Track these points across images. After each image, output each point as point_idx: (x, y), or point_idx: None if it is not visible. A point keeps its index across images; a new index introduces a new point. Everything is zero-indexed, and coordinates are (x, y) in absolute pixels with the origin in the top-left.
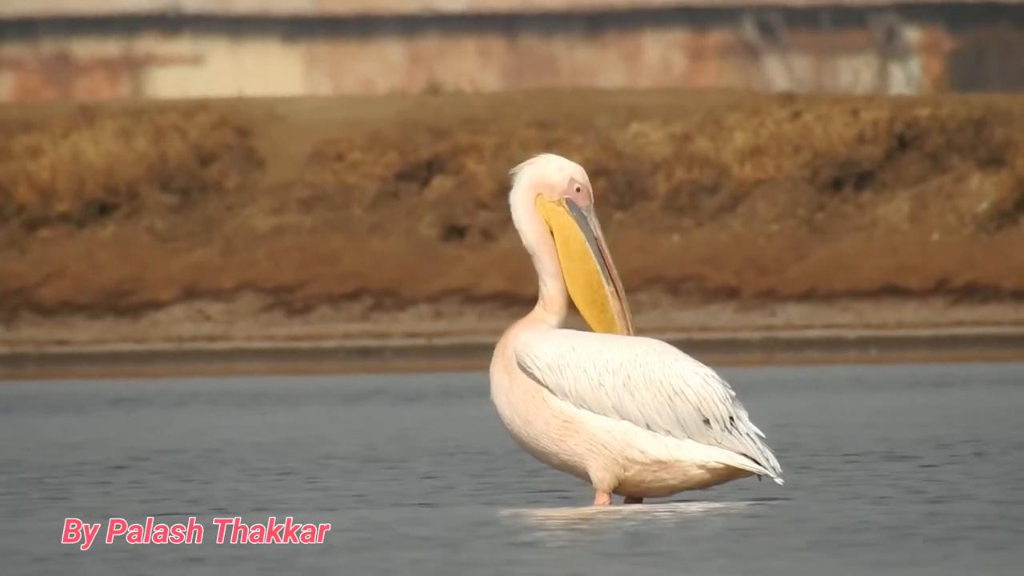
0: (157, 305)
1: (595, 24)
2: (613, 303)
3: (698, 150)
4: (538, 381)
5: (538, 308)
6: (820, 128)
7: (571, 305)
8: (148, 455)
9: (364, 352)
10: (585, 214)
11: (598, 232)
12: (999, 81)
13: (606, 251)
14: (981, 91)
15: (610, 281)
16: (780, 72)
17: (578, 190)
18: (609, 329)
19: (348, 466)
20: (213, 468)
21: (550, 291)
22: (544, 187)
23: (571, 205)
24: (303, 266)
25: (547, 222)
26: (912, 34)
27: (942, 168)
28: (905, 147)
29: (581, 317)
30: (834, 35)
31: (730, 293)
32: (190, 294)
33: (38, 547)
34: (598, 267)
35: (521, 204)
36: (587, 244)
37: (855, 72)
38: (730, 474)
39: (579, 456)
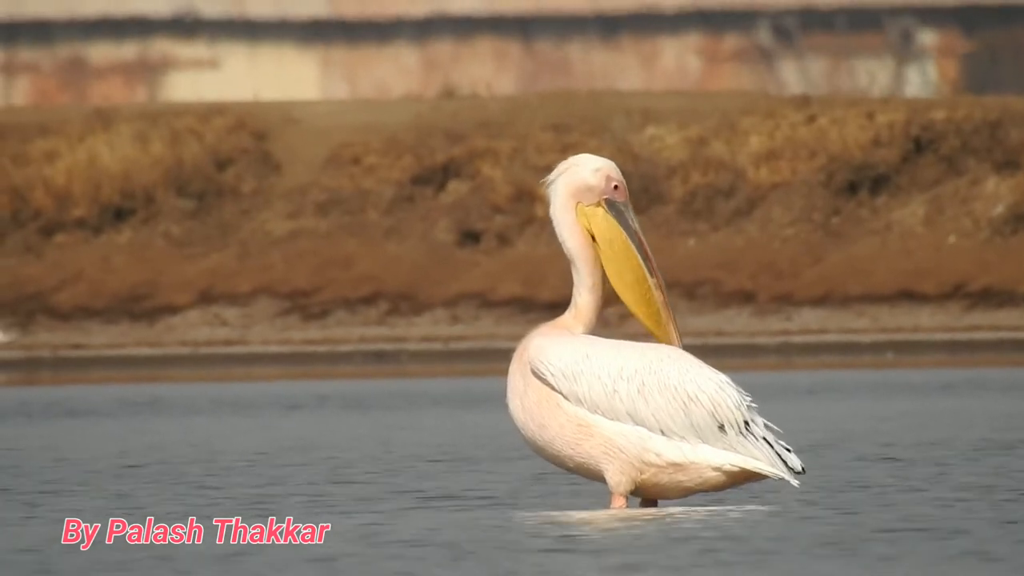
0: (173, 310)
1: (611, 28)
2: (656, 295)
3: (714, 154)
4: (552, 387)
5: (567, 315)
6: (835, 131)
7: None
8: (162, 459)
9: (380, 356)
10: (623, 210)
11: (636, 226)
12: (1013, 83)
13: (646, 244)
14: (995, 94)
15: (653, 274)
16: (795, 75)
17: (616, 187)
18: (659, 320)
19: (364, 470)
20: (229, 472)
21: (583, 301)
22: (583, 192)
23: (611, 204)
24: (319, 270)
25: (588, 229)
26: (927, 37)
27: (958, 171)
28: (921, 150)
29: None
30: (849, 38)
31: (746, 297)
32: (206, 299)
33: (52, 551)
34: (641, 262)
35: (562, 216)
36: (629, 241)
37: (870, 75)
38: (746, 477)
39: (595, 460)
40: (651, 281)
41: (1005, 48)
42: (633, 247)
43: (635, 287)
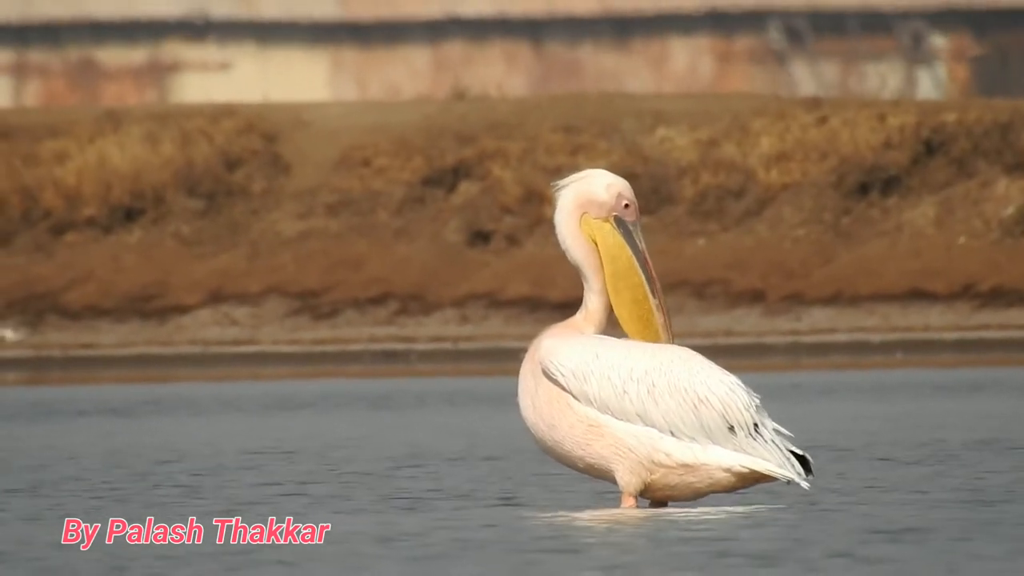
0: (183, 309)
1: (622, 29)
2: (657, 316)
3: (724, 155)
4: (562, 387)
5: (578, 316)
6: (846, 133)
7: (613, 320)
8: (172, 458)
9: (390, 356)
10: (632, 229)
11: (643, 247)
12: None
13: (651, 266)
14: (1006, 96)
15: (655, 295)
16: (807, 77)
17: (626, 206)
18: (655, 340)
19: (372, 470)
20: (235, 471)
21: (593, 304)
22: (591, 205)
23: (619, 222)
24: (329, 270)
25: (591, 239)
26: (938, 40)
27: (968, 173)
28: (931, 152)
29: (623, 330)
30: (861, 41)
31: (756, 297)
32: (216, 298)
33: (56, 551)
34: (644, 282)
35: (566, 224)
36: (634, 261)
37: (882, 77)
38: (756, 478)
39: (605, 460)
40: (652, 302)
41: (1016, 51)
42: (637, 266)
43: (632, 306)
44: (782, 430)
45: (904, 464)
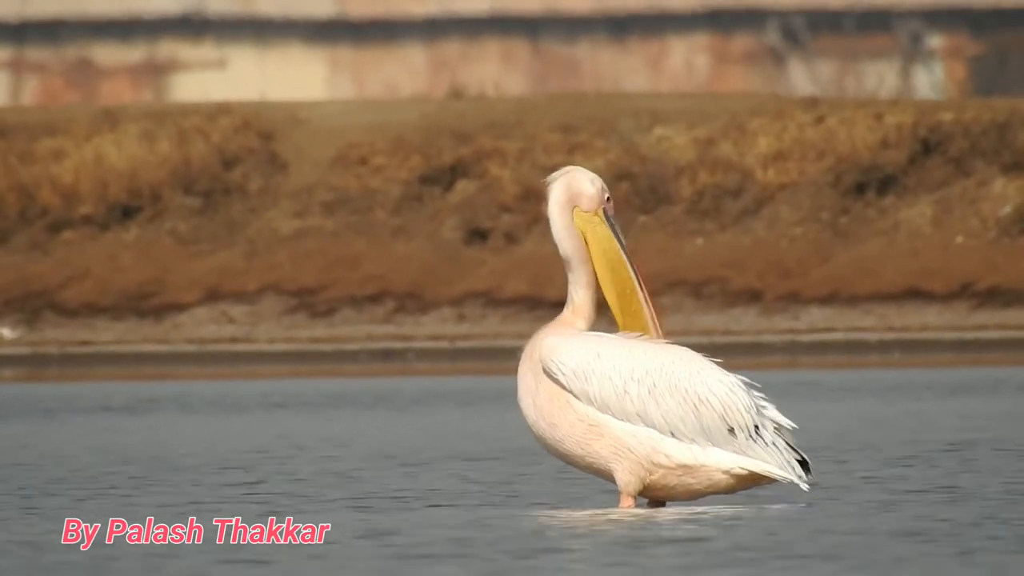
0: (180, 307)
1: (619, 28)
2: (645, 309)
3: (722, 154)
4: (563, 387)
5: (566, 312)
6: (844, 132)
7: (602, 311)
8: (167, 456)
9: (387, 354)
10: (614, 223)
11: (623, 240)
12: (1022, 86)
13: (631, 259)
14: (1004, 96)
15: (642, 288)
16: (804, 77)
17: (608, 199)
18: (644, 330)
19: (368, 468)
20: (232, 470)
21: (580, 299)
22: (581, 198)
23: (606, 215)
24: (326, 269)
25: (582, 233)
26: (936, 39)
27: (965, 172)
28: (929, 151)
29: (613, 322)
30: (858, 40)
31: (753, 296)
32: (213, 296)
33: (55, 549)
34: (633, 276)
35: (559, 217)
36: (622, 254)
37: (879, 77)
38: (755, 480)
39: (604, 459)
40: (641, 294)
41: (1014, 50)
42: (626, 259)
43: (622, 297)
44: (784, 422)
45: (900, 464)
